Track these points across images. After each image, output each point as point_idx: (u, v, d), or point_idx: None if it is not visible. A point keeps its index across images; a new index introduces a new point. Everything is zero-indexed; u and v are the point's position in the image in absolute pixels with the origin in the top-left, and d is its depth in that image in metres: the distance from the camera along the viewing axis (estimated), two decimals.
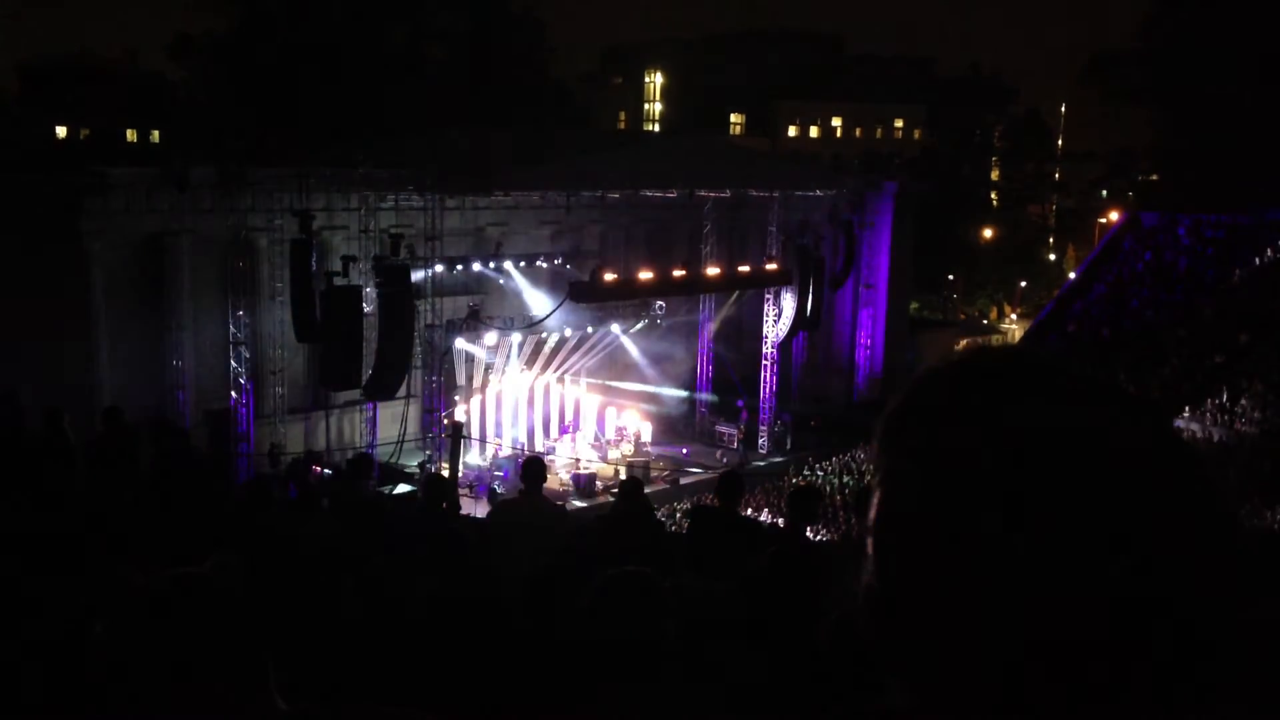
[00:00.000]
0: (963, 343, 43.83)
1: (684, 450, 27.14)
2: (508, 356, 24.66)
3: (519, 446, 24.13)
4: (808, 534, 6.58)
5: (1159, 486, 0.76)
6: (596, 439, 26.32)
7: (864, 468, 25.24)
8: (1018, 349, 0.86)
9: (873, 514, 0.83)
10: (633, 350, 27.00)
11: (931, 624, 0.78)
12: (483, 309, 23.76)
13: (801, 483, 22.98)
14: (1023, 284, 53.22)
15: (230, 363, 21.24)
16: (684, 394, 29.06)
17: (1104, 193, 54.86)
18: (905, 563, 0.80)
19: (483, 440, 24.34)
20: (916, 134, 59.45)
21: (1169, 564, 0.75)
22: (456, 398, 23.70)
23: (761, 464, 26.84)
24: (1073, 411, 0.78)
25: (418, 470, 20.62)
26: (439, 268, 22.41)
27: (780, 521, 21.61)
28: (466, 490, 20.75)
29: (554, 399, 26.68)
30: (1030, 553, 0.74)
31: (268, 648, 1.52)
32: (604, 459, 25.23)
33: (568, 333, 25.30)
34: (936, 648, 0.78)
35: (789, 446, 27.92)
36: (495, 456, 23.80)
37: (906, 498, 0.80)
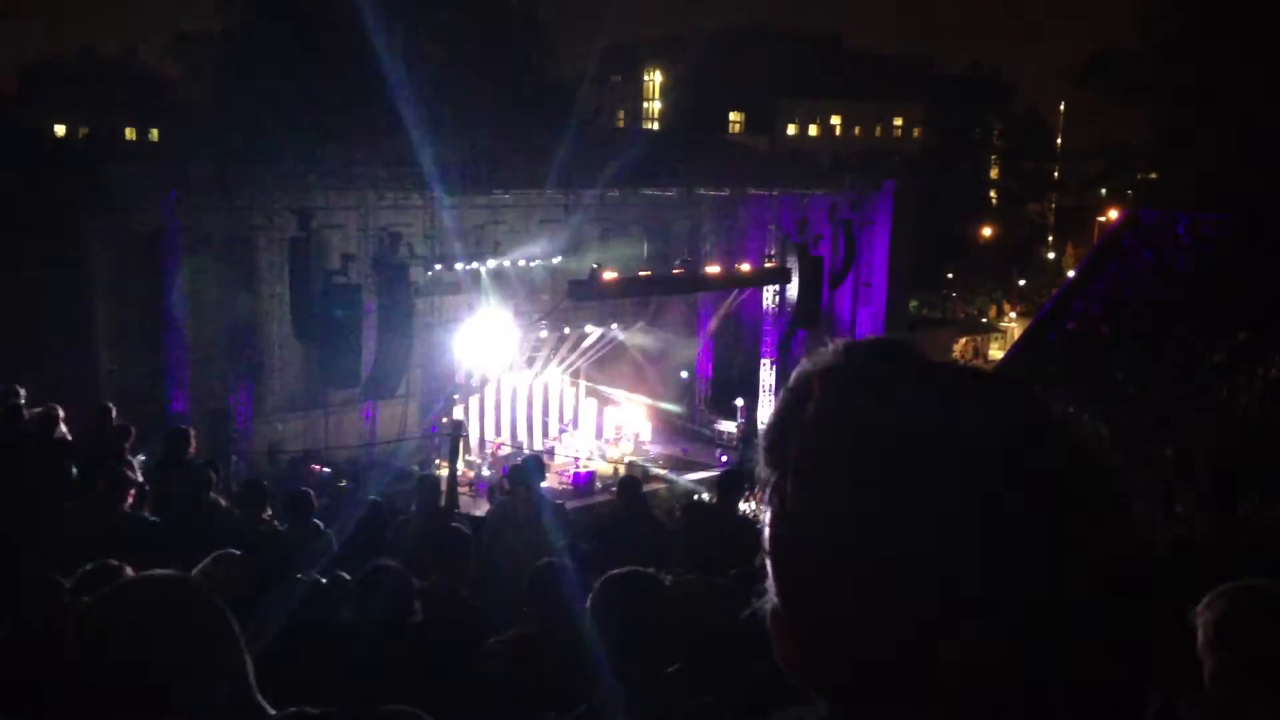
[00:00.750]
0: (963, 341, 43.88)
1: (683, 449, 27.13)
2: (507, 355, 24.65)
3: (518, 445, 24.13)
4: None
5: (1043, 485, 0.73)
6: (596, 437, 26.33)
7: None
8: (882, 341, 0.82)
9: (766, 533, 0.80)
10: (632, 349, 27.00)
11: (831, 641, 0.76)
12: (481, 308, 23.74)
13: None
14: (1021, 282, 53.20)
15: (229, 361, 21.22)
16: (682, 394, 29.10)
17: (1103, 191, 54.83)
18: (798, 581, 0.77)
19: (482, 439, 24.34)
20: (916, 132, 59.36)
21: (1057, 566, 0.72)
22: (455, 397, 23.69)
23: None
24: (947, 409, 0.75)
25: (415, 469, 20.62)
26: (438, 266, 22.39)
27: None
28: (466, 489, 20.74)
29: (553, 397, 26.68)
30: (914, 562, 0.72)
31: (256, 650, 1.50)
32: (603, 457, 25.23)
33: (566, 331, 25.30)
34: (840, 665, 0.76)
35: None
36: (495, 455, 23.79)
37: (791, 514, 0.78)
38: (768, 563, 0.79)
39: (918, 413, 0.74)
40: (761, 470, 0.81)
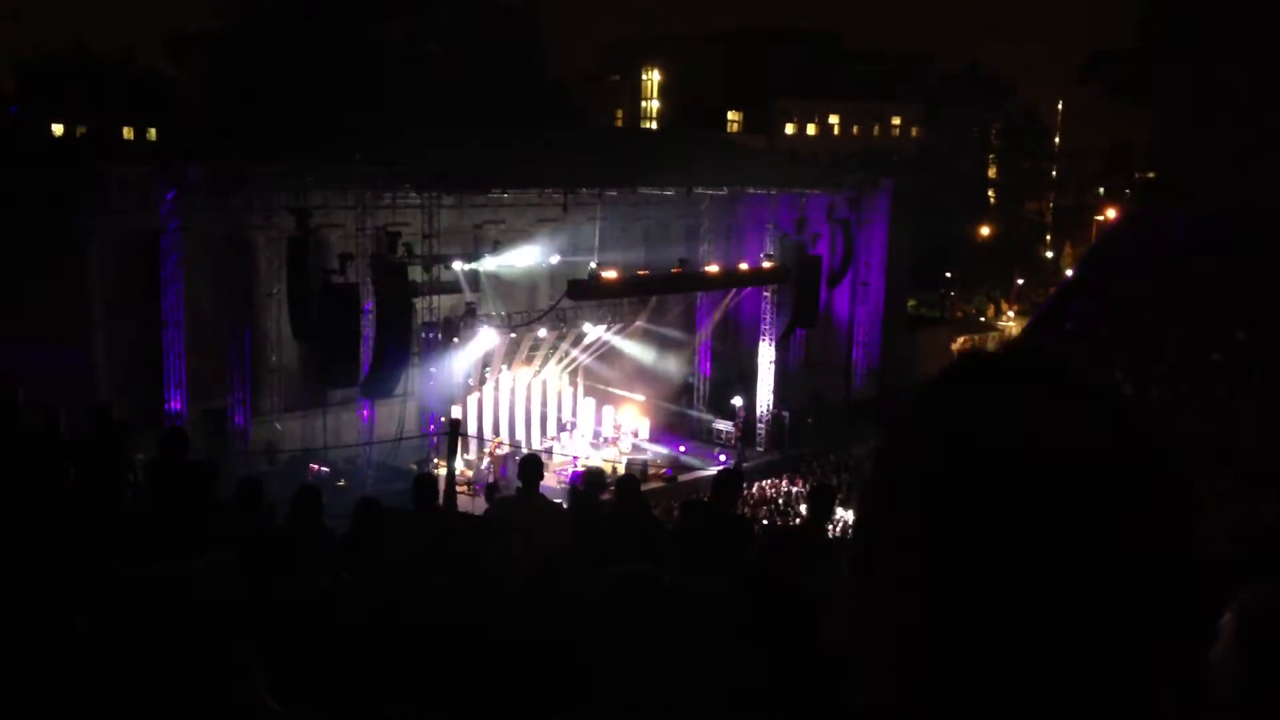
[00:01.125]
0: (961, 340, 43.93)
1: (681, 448, 27.14)
2: (505, 354, 24.65)
3: (517, 444, 24.13)
4: (827, 531, 6.66)
5: (1140, 508, 0.74)
6: (594, 436, 26.33)
7: (857, 466, 25.27)
8: (1022, 354, 0.83)
9: (856, 517, 0.83)
10: (630, 348, 27.01)
11: (907, 626, 0.77)
12: (480, 307, 23.74)
13: (814, 481, 23.05)
14: (1020, 281, 53.24)
15: (227, 361, 21.21)
16: (680, 393, 29.12)
17: (1101, 190, 54.87)
18: (880, 564, 0.79)
19: (480, 438, 24.34)
20: (914, 131, 59.33)
21: (1142, 588, 0.73)
22: (454, 395, 23.69)
23: (759, 461, 26.84)
24: (1060, 434, 0.76)
25: (413, 468, 20.61)
26: (436, 265, 22.39)
27: (779, 519, 21.62)
28: (465, 488, 20.73)
29: (551, 396, 26.69)
30: (1003, 567, 0.73)
31: (259, 648, 1.50)
32: (602, 457, 25.24)
33: (565, 330, 25.31)
34: (911, 649, 0.77)
35: (786, 444, 27.94)
36: (493, 454, 23.81)
37: (890, 504, 0.79)
38: (855, 547, 0.82)
39: (1045, 432, 0.76)
40: (870, 459, 0.84)
